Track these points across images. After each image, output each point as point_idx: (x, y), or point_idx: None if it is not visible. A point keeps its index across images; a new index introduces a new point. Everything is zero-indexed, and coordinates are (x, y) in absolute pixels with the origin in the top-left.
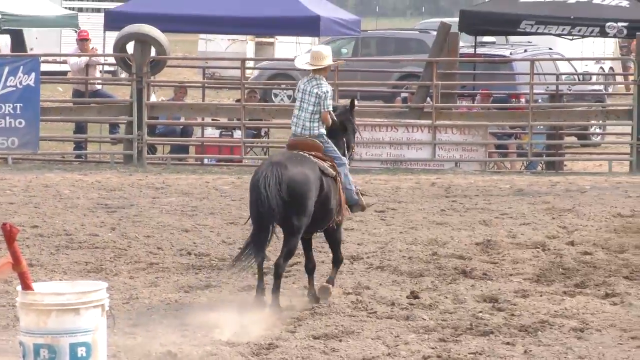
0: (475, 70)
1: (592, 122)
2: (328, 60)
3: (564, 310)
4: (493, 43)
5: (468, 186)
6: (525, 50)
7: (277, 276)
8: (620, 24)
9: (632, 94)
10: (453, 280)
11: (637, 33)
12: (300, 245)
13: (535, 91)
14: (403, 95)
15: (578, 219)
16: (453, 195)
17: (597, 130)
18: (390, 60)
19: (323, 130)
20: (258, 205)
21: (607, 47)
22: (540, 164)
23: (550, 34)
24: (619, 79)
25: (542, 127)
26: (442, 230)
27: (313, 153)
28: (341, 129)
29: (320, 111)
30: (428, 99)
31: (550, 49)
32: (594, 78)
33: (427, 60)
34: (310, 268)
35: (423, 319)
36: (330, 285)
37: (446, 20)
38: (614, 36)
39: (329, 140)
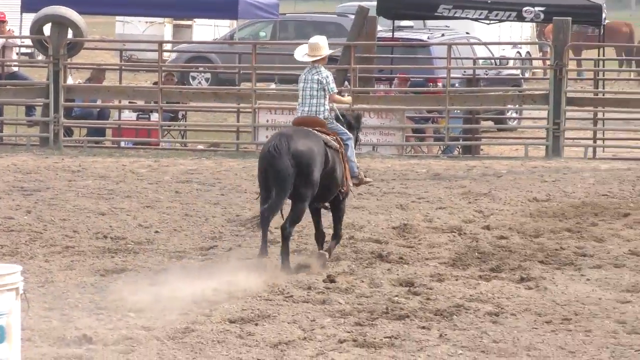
0: (393, 55)
1: (509, 106)
2: (325, 51)
3: (479, 294)
4: (411, 27)
5: (385, 170)
6: (443, 35)
7: (284, 238)
8: (537, 8)
9: (548, 79)
10: (369, 264)
11: (554, 18)
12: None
13: (452, 75)
14: None
15: (494, 203)
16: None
17: (514, 115)
18: None
19: (328, 115)
20: (269, 172)
21: (524, 31)
22: (457, 148)
23: (468, 19)
24: (536, 63)
25: (459, 111)
26: (359, 214)
27: (317, 128)
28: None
29: (326, 96)
30: (346, 82)
31: (467, 33)
32: (510, 62)
33: (345, 44)
34: (319, 239)
35: (339, 303)
36: (327, 254)
37: (364, 4)
38: (531, 21)
39: (334, 122)
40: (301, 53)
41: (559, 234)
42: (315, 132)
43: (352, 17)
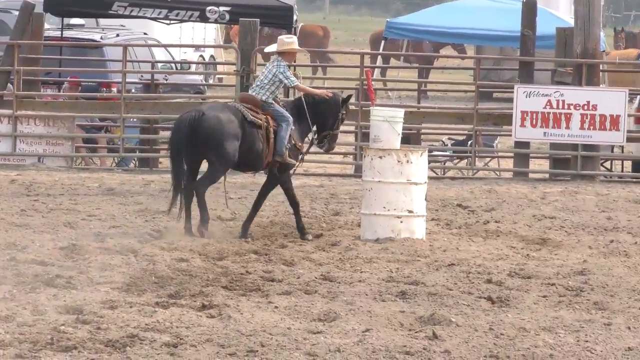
0: (62, 56)
1: None
2: (290, 46)
3: (156, 323)
4: (82, 26)
5: (52, 184)
6: (118, 35)
7: (199, 196)
8: (221, 8)
9: (234, 86)
10: (33, 289)
11: (240, 19)
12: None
13: (128, 80)
14: None
15: (174, 221)
16: (35, 194)
17: None
18: None
19: (269, 100)
20: (172, 144)
21: (208, 33)
22: (133, 161)
23: (145, 18)
24: (221, 68)
25: (135, 120)
26: (22, 232)
27: (249, 105)
28: (318, 113)
29: (278, 87)
30: (9, 85)
31: (145, 34)
32: (193, 67)
33: (7, 42)
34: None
35: None
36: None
37: None
38: (215, 21)
39: (274, 104)
40: (271, 48)
41: (245, 257)
42: (239, 107)
43: (16, 13)
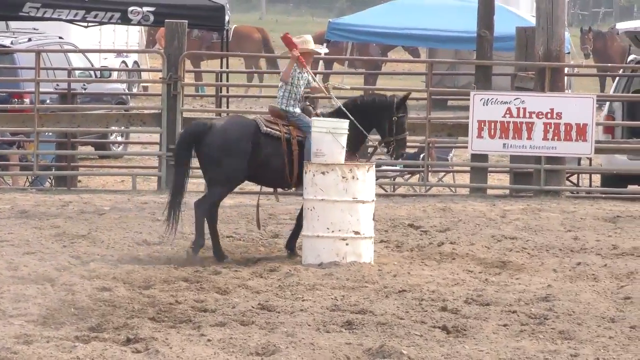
0: None
1: (113, 128)
2: (304, 45)
3: (75, 359)
4: None
5: None
6: (30, 39)
7: (197, 217)
8: (145, 9)
9: (161, 95)
10: None
11: (166, 20)
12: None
13: (42, 89)
14: None
15: (95, 247)
16: None
17: (119, 139)
18: None
19: (291, 109)
20: (174, 155)
21: (131, 37)
22: (49, 180)
23: (60, 20)
24: (146, 75)
25: (51, 134)
26: None
27: (270, 117)
28: (365, 118)
29: (297, 91)
30: None
31: (60, 38)
32: (114, 75)
33: None
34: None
35: None
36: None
37: None
38: (139, 24)
39: (299, 114)
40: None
41: (174, 285)
42: (255, 120)
43: None
